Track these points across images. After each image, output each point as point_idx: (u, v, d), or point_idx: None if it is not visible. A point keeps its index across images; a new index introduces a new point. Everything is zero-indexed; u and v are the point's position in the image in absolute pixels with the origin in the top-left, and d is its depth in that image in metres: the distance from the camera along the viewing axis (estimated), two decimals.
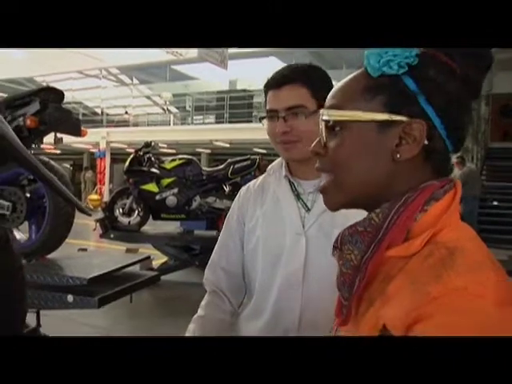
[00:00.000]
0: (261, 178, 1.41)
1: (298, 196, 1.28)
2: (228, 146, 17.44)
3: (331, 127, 0.69)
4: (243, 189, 1.42)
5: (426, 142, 0.64)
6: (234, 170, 5.87)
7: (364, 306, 0.64)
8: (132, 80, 19.80)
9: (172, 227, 6.61)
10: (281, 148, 1.26)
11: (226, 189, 6.04)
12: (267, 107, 1.26)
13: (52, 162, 2.85)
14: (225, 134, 15.79)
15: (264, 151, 16.41)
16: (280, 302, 1.23)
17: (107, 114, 18.75)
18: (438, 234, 0.61)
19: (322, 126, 0.71)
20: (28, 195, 2.79)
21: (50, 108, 2.69)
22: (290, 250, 1.23)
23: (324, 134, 0.71)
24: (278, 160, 1.38)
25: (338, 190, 0.70)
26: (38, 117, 2.68)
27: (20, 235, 3.07)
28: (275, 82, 1.24)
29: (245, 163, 5.93)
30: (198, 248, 6.19)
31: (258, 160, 5.92)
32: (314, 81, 1.24)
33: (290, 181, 1.30)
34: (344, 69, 13.91)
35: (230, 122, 16.08)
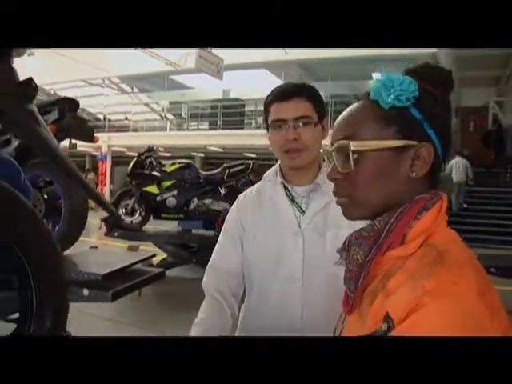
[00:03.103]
0: (256, 185, 1.44)
1: (292, 200, 1.32)
2: (221, 150, 17.46)
3: (347, 155, 0.71)
4: (241, 195, 1.45)
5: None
6: (229, 174, 5.92)
7: (368, 299, 0.70)
8: (132, 89, 19.73)
9: (171, 226, 6.63)
10: (287, 156, 1.28)
11: (222, 191, 6.08)
12: (274, 117, 1.28)
13: None
14: (218, 139, 15.81)
15: (254, 155, 16.46)
16: (283, 296, 1.27)
17: (109, 120, 18.65)
18: (429, 238, 0.68)
19: (337, 154, 0.74)
20: (45, 196, 2.80)
21: (67, 116, 2.70)
22: (289, 248, 1.28)
23: (340, 161, 0.73)
24: (273, 168, 1.41)
25: (358, 207, 0.75)
26: (56, 125, 2.70)
27: None
28: (283, 95, 1.28)
29: (240, 167, 5.98)
30: (196, 246, 6.22)
31: (252, 165, 5.98)
32: (315, 97, 1.29)
33: (284, 186, 1.34)
34: (329, 81, 14.04)
35: (223, 129, 16.10)
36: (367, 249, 0.71)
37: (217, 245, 1.43)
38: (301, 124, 1.25)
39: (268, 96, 1.32)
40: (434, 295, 0.58)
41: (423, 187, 0.73)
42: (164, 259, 6.26)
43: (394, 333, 0.59)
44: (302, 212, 1.30)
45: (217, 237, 4.62)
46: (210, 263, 1.41)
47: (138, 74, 17.05)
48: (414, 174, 0.71)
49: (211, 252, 5.09)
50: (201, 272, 5.11)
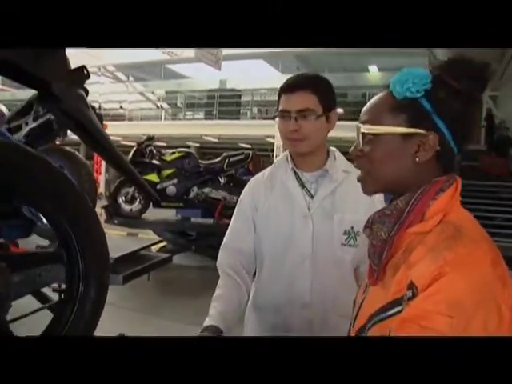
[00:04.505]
0: (267, 169, 1.53)
1: (302, 185, 1.41)
2: (216, 140, 17.48)
3: (366, 136, 0.82)
4: (253, 179, 1.53)
5: (438, 149, 0.78)
6: (229, 163, 5.96)
7: (390, 271, 0.79)
8: (128, 77, 19.61)
9: (169, 214, 6.68)
10: (289, 143, 1.38)
11: (222, 180, 6.13)
12: (280, 108, 1.37)
13: (77, 154, 2.91)
14: (214, 129, 15.82)
15: (249, 146, 16.50)
16: (293, 273, 1.37)
17: (104, 109, 18.53)
18: (446, 216, 0.76)
19: (359, 135, 0.84)
20: None
21: None
22: (300, 229, 1.37)
23: (360, 141, 0.83)
24: (283, 155, 1.50)
25: (373, 181, 0.85)
26: None
27: None
28: (289, 87, 1.35)
29: (239, 157, 6.02)
30: (195, 234, 6.28)
31: (251, 154, 6.03)
32: (322, 89, 1.36)
33: (295, 172, 1.43)
34: (326, 72, 14.07)
35: (219, 119, 16.11)
36: (390, 226, 0.79)
37: (230, 225, 1.51)
38: (302, 116, 1.33)
39: (281, 86, 1.39)
40: (453, 265, 0.67)
41: (434, 172, 0.80)
42: (164, 247, 6.32)
43: (419, 298, 0.67)
44: (311, 196, 1.39)
45: (215, 225, 4.74)
46: (223, 243, 1.49)
47: (134, 63, 16.95)
48: (417, 159, 0.79)
49: (210, 240, 5.18)
50: (199, 260, 5.19)
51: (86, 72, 1.49)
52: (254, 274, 1.50)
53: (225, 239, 1.49)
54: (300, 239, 1.37)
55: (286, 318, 1.35)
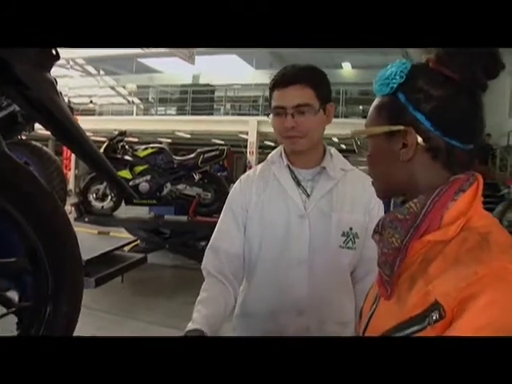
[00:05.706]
0: (259, 166, 1.41)
1: (298, 183, 1.31)
2: (189, 136, 17.29)
3: (364, 139, 0.79)
4: (243, 177, 1.41)
5: (422, 144, 0.70)
6: (203, 159, 5.85)
7: (406, 284, 0.69)
8: (99, 71, 19.17)
9: (142, 211, 6.52)
10: (287, 141, 1.27)
11: (196, 177, 6.01)
12: (274, 104, 1.26)
13: (45, 148, 2.75)
14: (186, 125, 15.63)
15: (222, 142, 16.39)
16: (288, 279, 1.26)
17: (73, 103, 18.04)
18: (469, 221, 0.67)
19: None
20: None
21: None
22: (295, 230, 1.27)
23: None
24: (277, 150, 1.39)
25: (376, 183, 0.79)
26: None
27: None
28: (283, 81, 1.24)
29: (214, 153, 5.93)
30: (168, 232, 6.14)
31: (226, 150, 5.93)
32: (317, 82, 1.26)
33: (290, 169, 1.32)
34: None
35: (192, 114, 15.92)
36: (403, 232, 0.70)
37: (217, 225, 1.39)
38: (299, 112, 1.22)
39: (271, 80, 1.28)
40: (487, 282, 0.58)
41: (436, 170, 0.71)
42: (136, 245, 6.15)
43: (453, 328, 0.58)
44: (308, 195, 1.29)
45: (189, 223, 4.64)
46: (210, 244, 1.37)
47: (104, 56, 16.55)
48: (401, 158, 0.71)
49: (184, 238, 5.10)
50: (173, 258, 5.10)
51: (55, 53, 1.31)
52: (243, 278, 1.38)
53: (212, 240, 1.37)
54: (296, 241, 1.27)
55: (281, 326, 1.25)
